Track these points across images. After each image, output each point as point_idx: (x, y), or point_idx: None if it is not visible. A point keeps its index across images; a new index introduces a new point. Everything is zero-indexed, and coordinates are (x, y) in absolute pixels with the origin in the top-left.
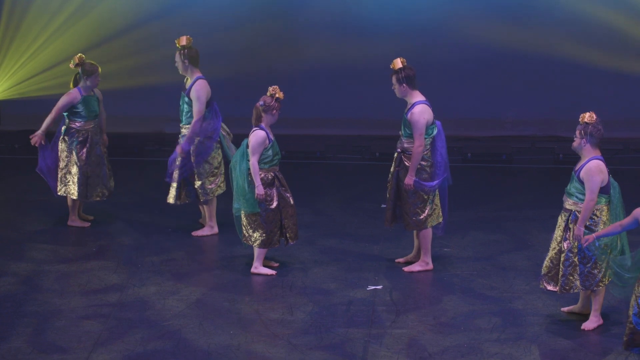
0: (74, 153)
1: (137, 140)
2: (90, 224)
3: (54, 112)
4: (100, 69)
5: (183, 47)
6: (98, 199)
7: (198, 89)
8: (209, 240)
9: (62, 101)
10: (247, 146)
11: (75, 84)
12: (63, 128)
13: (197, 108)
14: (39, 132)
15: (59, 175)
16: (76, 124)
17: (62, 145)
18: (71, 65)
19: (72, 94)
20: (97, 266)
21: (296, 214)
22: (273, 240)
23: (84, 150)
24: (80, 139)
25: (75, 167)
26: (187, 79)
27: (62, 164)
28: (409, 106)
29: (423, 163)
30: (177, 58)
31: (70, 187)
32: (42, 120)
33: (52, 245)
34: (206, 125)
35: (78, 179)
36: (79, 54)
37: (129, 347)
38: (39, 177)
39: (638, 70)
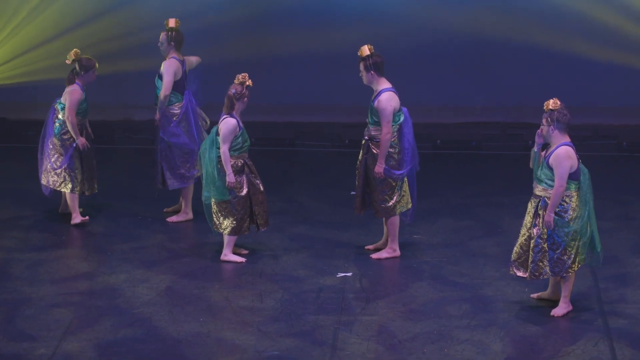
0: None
1: (106, 128)
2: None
3: (72, 115)
4: (97, 64)
5: (171, 29)
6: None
7: (167, 65)
8: (179, 227)
9: (73, 100)
10: (217, 134)
11: (71, 81)
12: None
13: (164, 80)
14: (82, 138)
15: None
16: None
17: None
18: (67, 62)
19: (78, 91)
20: (67, 254)
21: (266, 201)
22: (243, 227)
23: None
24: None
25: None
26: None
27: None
28: (375, 94)
29: (390, 150)
30: (163, 38)
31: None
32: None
33: (22, 234)
34: (171, 109)
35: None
36: (75, 49)
37: (99, 335)
38: (9, 165)
39: (607, 57)
